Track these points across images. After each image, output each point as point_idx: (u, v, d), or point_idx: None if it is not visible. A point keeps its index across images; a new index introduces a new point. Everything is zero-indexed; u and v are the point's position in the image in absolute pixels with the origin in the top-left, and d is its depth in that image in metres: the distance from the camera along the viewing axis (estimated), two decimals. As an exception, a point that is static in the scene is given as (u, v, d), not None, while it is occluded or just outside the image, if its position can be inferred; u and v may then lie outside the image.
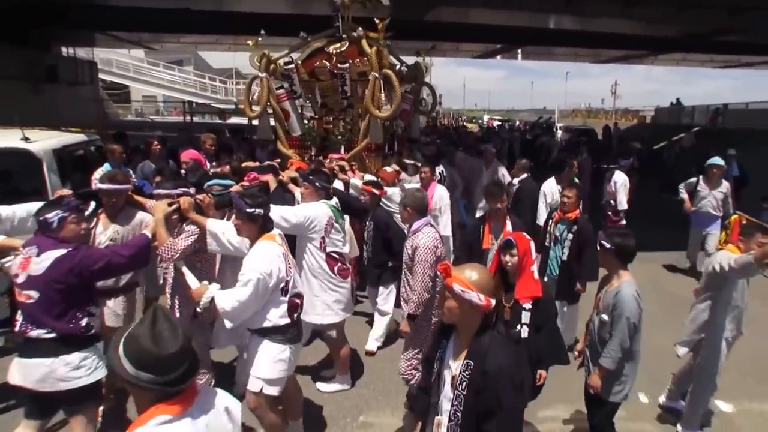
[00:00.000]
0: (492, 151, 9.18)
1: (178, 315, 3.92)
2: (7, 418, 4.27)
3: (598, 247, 3.71)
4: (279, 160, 7.10)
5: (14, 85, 17.49)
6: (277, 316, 3.42)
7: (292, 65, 7.33)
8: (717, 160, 7.98)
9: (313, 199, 4.60)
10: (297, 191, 5.14)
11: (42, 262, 3.11)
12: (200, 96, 36.77)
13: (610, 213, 8.70)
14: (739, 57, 30.98)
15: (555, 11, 17.44)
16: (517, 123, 39.21)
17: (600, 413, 3.71)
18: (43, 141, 5.95)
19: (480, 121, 43.30)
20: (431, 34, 21.14)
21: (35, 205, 4.15)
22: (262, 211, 3.41)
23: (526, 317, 3.51)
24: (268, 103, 7.41)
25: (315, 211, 4.45)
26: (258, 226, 3.44)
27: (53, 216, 3.22)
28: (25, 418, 3.29)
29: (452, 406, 2.41)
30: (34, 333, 3.14)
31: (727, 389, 4.49)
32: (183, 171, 6.27)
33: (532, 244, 3.64)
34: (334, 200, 4.71)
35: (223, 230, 3.71)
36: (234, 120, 28.09)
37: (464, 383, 2.35)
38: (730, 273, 3.86)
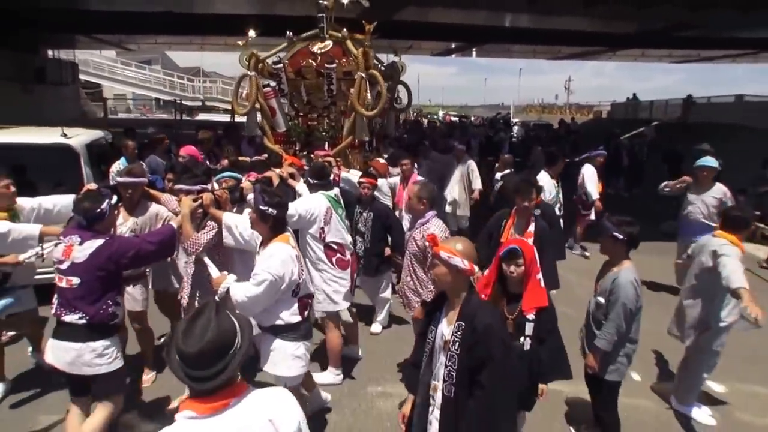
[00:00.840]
0: (461, 148, 9.29)
1: (198, 304, 4.13)
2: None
3: (610, 238, 3.73)
4: (266, 155, 7.46)
5: (6, 86, 18.25)
6: (288, 315, 3.52)
7: (281, 65, 7.61)
8: (708, 161, 6.76)
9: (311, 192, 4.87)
10: (297, 185, 5.44)
11: (84, 250, 3.33)
12: (169, 93, 37.70)
13: (581, 206, 8.98)
14: (698, 52, 31.72)
15: (518, 10, 17.90)
16: (472, 119, 39.48)
17: (600, 390, 3.90)
18: (78, 137, 6.40)
19: (435, 116, 43.52)
20: (399, 33, 21.64)
21: (60, 198, 4.49)
22: (274, 211, 3.44)
23: (529, 329, 3.32)
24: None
25: (312, 203, 4.67)
26: (268, 226, 3.49)
27: (106, 206, 3.47)
28: (71, 396, 3.56)
29: (446, 367, 2.64)
30: (68, 317, 3.35)
31: (717, 370, 4.61)
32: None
33: (536, 252, 3.56)
34: (334, 192, 4.92)
35: (236, 223, 3.90)
36: (202, 116, 28.46)
37: (457, 343, 2.60)
38: (721, 279, 3.95)
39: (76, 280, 3.33)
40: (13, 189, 4.32)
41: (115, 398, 3.59)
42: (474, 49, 32.55)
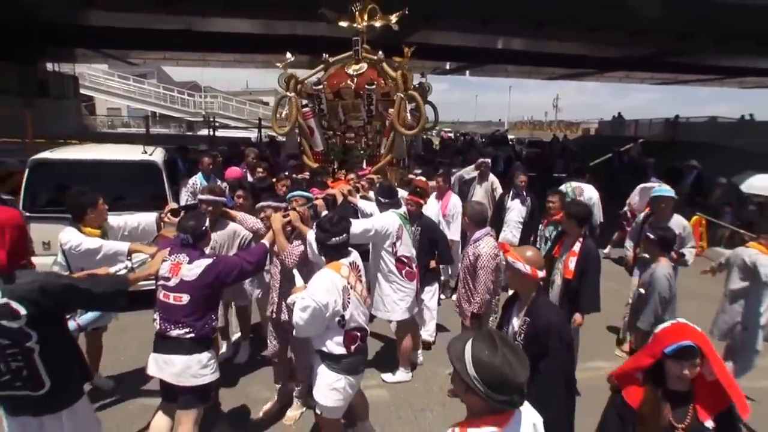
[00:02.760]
0: (487, 164, 9.00)
1: (284, 317, 4.30)
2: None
3: (646, 238, 4.57)
4: (308, 173, 7.73)
5: (9, 99, 18.22)
6: (332, 344, 3.53)
7: (321, 86, 7.91)
8: (664, 191, 5.87)
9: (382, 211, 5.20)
10: (357, 201, 5.76)
11: (194, 269, 3.47)
12: (169, 108, 37.40)
13: (625, 222, 9.25)
14: (676, 75, 34.49)
15: (523, 35, 18.50)
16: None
17: None
18: (157, 154, 6.67)
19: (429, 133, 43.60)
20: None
21: (143, 216, 4.71)
22: (322, 235, 3.60)
23: None
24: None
25: (386, 220, 5.00)
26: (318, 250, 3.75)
27: (207, 225, 3.71)
28: (163, 400, 3.74)
29: None
30: (175, 332, 3.45)
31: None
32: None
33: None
34: (403, 209, 5.26)
35: None
36: (204, 132, 28.47)
37: (522, 334, 3.11)
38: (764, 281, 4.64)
39: (185, 297, 3.45)
40: (106, 207, 4.46)
41: (201, 409, 3.68)
42: (468, 70, 33.60)
